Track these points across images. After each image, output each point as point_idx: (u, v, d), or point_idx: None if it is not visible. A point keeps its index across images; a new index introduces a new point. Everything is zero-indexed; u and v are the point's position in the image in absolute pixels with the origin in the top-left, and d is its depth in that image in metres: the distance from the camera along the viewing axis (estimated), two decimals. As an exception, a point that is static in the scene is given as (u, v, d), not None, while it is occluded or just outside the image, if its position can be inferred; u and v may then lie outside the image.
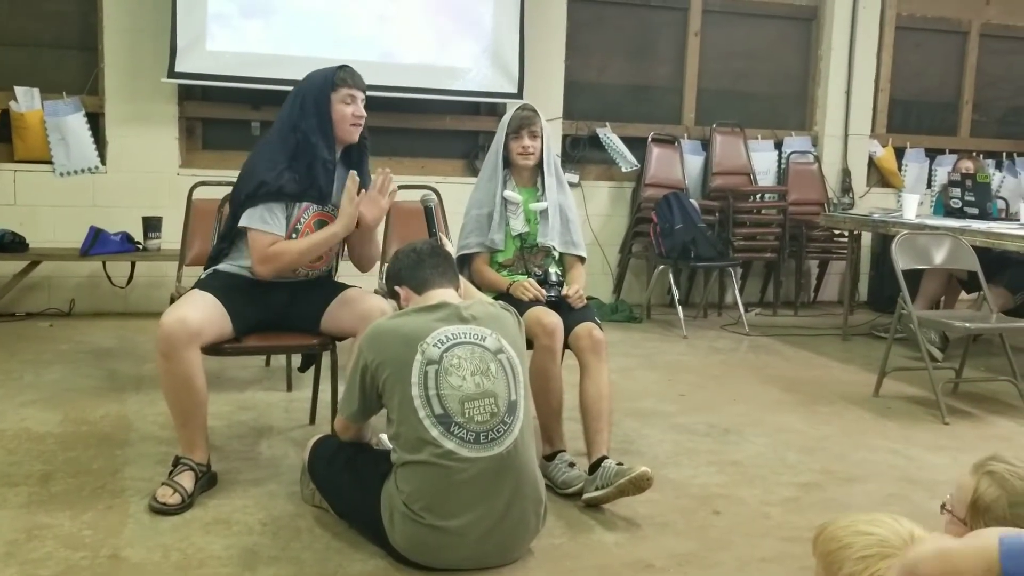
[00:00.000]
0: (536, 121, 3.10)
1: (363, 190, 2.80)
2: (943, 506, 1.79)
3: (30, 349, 4.39)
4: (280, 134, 2.78)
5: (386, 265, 3.29)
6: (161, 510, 2.51)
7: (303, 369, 3.32)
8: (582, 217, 5.94)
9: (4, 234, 4.87)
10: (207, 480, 2.69)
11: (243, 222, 2.74)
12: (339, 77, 2.78)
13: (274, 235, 2.73)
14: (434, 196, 3.10)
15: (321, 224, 2.81)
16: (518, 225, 3.11)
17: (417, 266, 2.45)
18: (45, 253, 4.98)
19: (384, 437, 2.52)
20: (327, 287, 2.92)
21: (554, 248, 3.13)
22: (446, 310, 2.33)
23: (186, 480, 2.60)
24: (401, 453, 2.24)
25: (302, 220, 2.79)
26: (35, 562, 2.21)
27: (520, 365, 2.35)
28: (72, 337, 4.68)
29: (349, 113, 2.78)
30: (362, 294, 2.89)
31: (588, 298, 3.18)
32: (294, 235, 2.78)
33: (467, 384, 2.23)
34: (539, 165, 3.14)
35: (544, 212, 3.11)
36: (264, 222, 2.72)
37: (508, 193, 3.12)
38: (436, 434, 2.19)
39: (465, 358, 2.26)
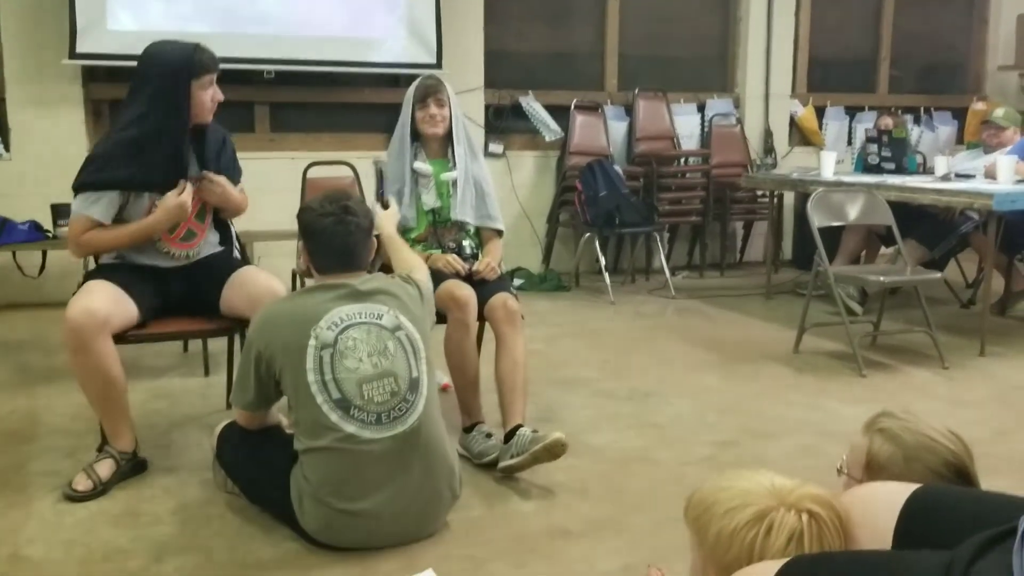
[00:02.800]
0: (441, 89, 3.05)
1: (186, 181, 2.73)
2: (839, 469, 1.80)
3: (-65, 346, 4.23)
4: (127, 120, 2.67)
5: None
6: (72, 497, 2.47)
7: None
8: (507, 187, 5.96)
9: (-97, 228, 4.67)
10: (132, 467, 2.64)
11: (73, 207, 2.68)
12: (199, 63, 2.67)
13: (93, 220, 2.65)
14: (384, 159, 3.04)
15: None
16: (430, 200, 3.07)
17: (324, 250, 2.34)
18: (-51, 245, 4.79)
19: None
20: (224, 267, 2.84)
21: (468, 223, 3.09)
22: (341, 290, 2.27)
23: (103, 468, 2.56)
24: (303, 439, 2.20)
25: (154, 209, 2.71)
26: (-71, 566, 2.13)
27: (421, 340, 2.31)
28: (-18, 331, 4.53)
29: (208, 99, 2.71)
30: (254, 274, 2.82)
31: (516, 268, 3.16)
32: None
33: (364, 366, 2.20)
34: (449, 136, 3.09)
35: (455, 183, 3.07)
36: (87, 206, 2.65)
37: (419, 165, 3.07)
38: (335, 419, 2.15)
39: (361, 339, 2.22)
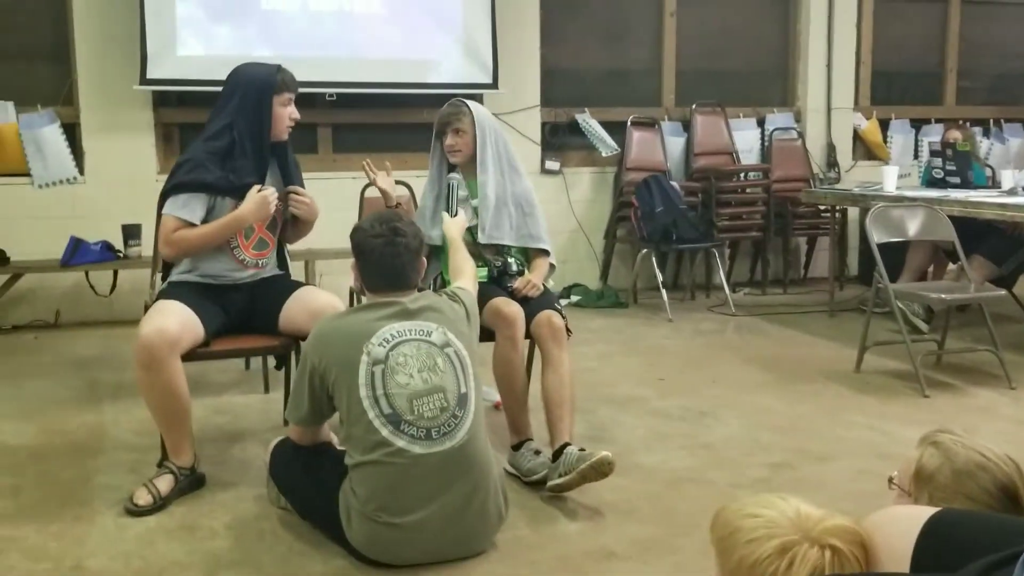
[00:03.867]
0: (457, 119, 3.08)
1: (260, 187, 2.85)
2: (891, 480, 1.77)
3: (12, 362, 4.40)
4: (214, 131, 2.84)
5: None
6: (132, 511, 2.56)
7: (278, 367, 3.34)
8: (564, 204, 5.97)
9: (-16, 248, 4.89)
10: (190, 483, 2.72)
11: (164, 209, 2.81)
12: (281, 81, 2.85)
13: (184, 221, 2.78)
14: (457, 176, 3.09)
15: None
16: (467, 219, 3.11)
17: (374, 270, 2.38)
18: (26, 265, 4.99)
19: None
20: (283, 286, 2.95)
21: (505, 244, 3.09)
22: (392, 307, 2.32)
23: (163, 483, 2.64)
24: (354, 454, 2.24)
25: None
26: (-3, 576, 2.22)
27: (469, 357, 2.34)
28: (56, 348, 4.70)
29: (287, 116, 2.87)
30: (314, 292, 2.93)
31: (573, 285, 3.18)
32: None
33: (414, 381, 2.23)
34: (474, 160, 3.10)
35: (479, 208, 3.08)
36: (178, 208, 2.78)
37: (462, 192, 3.07)
38: (386, 433, 2.19)
39: (411, 355, 2.25)
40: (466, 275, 2.69)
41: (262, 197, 2.79)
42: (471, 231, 3.07)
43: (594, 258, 6.13)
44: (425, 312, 2.36)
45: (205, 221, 2.82)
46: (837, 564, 1.28)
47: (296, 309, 2.84)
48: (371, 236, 2.38)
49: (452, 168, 3.14)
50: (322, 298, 2.85)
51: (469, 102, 3.17)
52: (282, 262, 3.08)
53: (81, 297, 5.27)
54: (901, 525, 1.32)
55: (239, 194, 2.81)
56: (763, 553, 1.26)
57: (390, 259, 2.36)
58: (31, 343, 4.86)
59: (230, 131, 2.82)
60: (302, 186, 3.03)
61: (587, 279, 6.00)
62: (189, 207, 2.78)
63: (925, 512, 1.32)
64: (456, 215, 2.96)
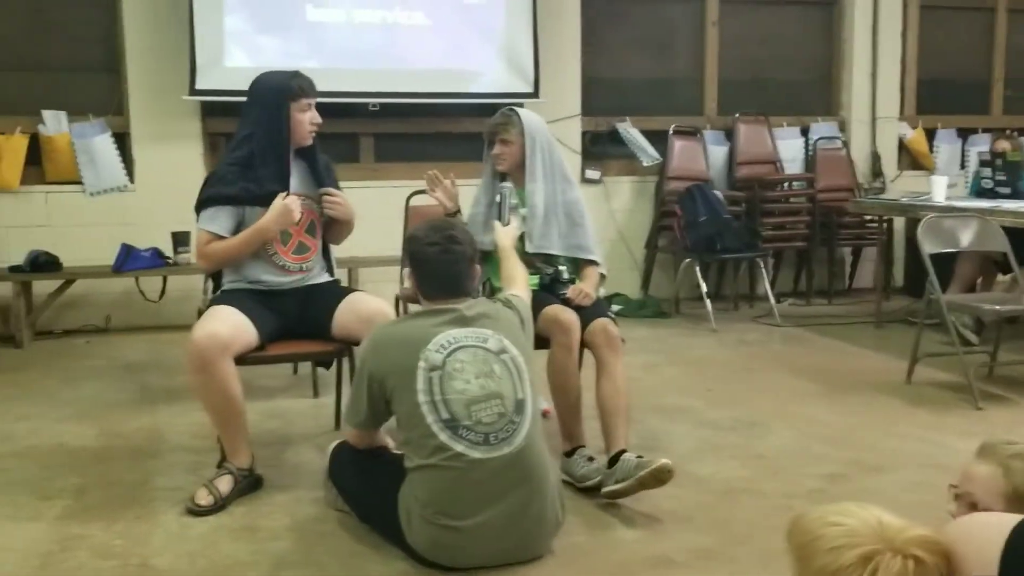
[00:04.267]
0: (504, 129, 3.11)
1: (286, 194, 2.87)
2: (956, 495, 1.75)
3: (66, 366, 4.49)
4: (236, 142, 2.92)
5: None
6: (194, 511, 2.60)
7: (327, 367, 3.37)
8: (604, 213, 5.97)
9: (38, 255, 4.99)
10: (249, 484, 2.77)
11: (198, 224, 2.88)
12: (297, 87, 2.87)
13: (213, 234, 2.84)
14: (509, 185, 3.11)
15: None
16: (517, 227, 3.12)
17: (430, 278, 2.41)
18: (79, 271, 5.09)
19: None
20: (333, 292, 2.99)
21: (553, 253, 3.11)
22: (448, 314, 2.34)
23: (223, 484, 2.68)
24: (413, 458, 2.26)
25: None
26: (67, 572, 2.27)
27: (525, 363, 2.36)
28: (107, 352, 4.79)
29: (307, 120, 2.88)
30: (366, 298, 2.96)
31: (614, 294, 3.19)
32: None
33: (472, 387, 2.25)
34: (522, 169, 3.12)
35: (526, 217, 3.10)
36: (207, 222, 2.84)
37: (513, 200, 3.08)
38: (445, 438, 2.21)
39: (468, 361, 2.27)
40: (519, 283, 2.70)
41: (284, 206, 2.80)
42: (521, 239, 3.09)
43: (635, 267, 6.12)
44: (481, 319, 2.38)
45: (239, 230, 2.86)
46: (920, 574, 1.28)
47: (347, 315, 2.87)
48: (427, 244, 2.40)
49: (504, 176, 3.17)
50: (372, 304, 2.88)
51: (521, 111, 3.19)
52: (329, 267, 3.10)
53: (131, 303, 5.36)
54: (985, 533, 1.31)
55: (264, 202, 2.84)
56: (845, 562, 1.26)
57: (446, 267, 2.39)
58: (83, 348, 4.95)
59: (249, 141, 2.86)
60: (336, 187, 3.05)
61: (628, 289, 5.99)
62: (217, 220, 2.84)
63: (1010, 520, 1.31)
64: (508, 223, 2.97)
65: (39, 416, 3.61)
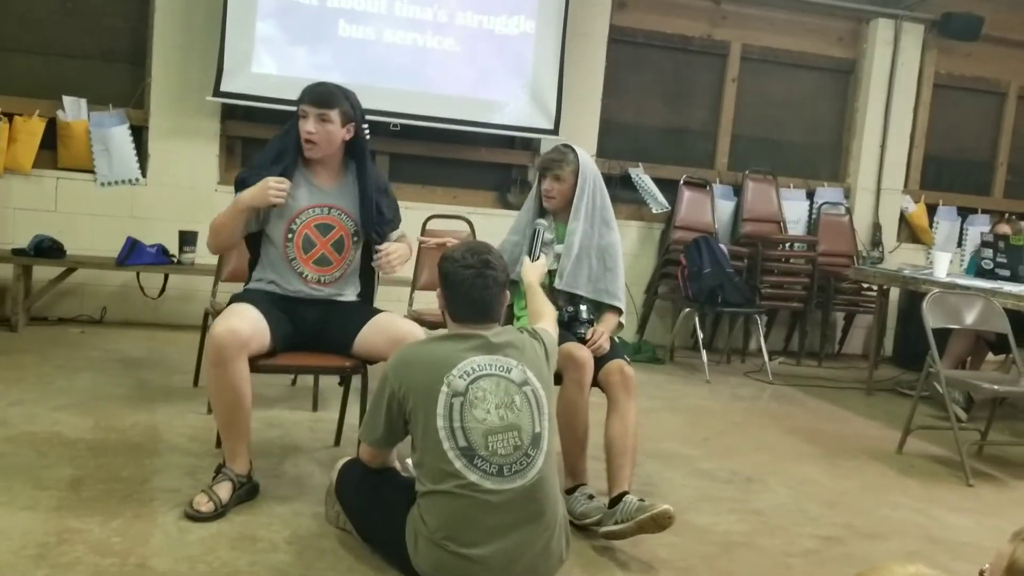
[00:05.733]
0: (559, 166, 3.12)
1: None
2: (981, 574, 1.77)
3: (62, 354, 4.45)
4: (272, 140, 2.98)
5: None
6: (194, 517, 2.57)
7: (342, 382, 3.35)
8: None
9: (43, 240, 4.96)
10: (247, 491, 2.74)
11: None
12: (302, 93, 2.88)
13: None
14: (544, 223, 3.12)
15: (321, 227, 2.92)
16: (549, 263, 3.14)
17: (462, 301, 2.40)
18: (81, 260, 5.06)
19: (409, 463, 2.54)
20: (362, 311, 2.97)
21: (579, 293, 3.13)
22: (475, 340, 2.34)
23: (223, 490, 2.65)
24: (425, 482, 2.25)
25: (297, 222, 2.89)
26: (65, 566, 2.24)
27: (545, 396, 2.36)
28: (103, 344, 4.75)
29: (303, 129, 2.86)
30: (396, 319, 2.93)
31: (616, 337, 3.21)
32: (290, 233, 2.88)
33: (491, 417, 2.25)
34: (568, 208, 3.15)
35: (561, 255, 3.13)
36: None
37: (547, 235, 3.12)
38: (459, 466, 2.21)
39: (490, 390, 2.27)
40: (547, 317, 2.71)
41: (264, 183, 2.77)
42: (549, 274, 3.11)
43: (633, 311, 6.15)
44: (506, 348, 2.37)
45: (262, 220, 2.89)
46: None
47: (375, 335, 2.85)
48: (462, 267, 2.39)
49: (544, 212, 3.18)
50: (403, 326, 2.86)
51: (577, 148, 3.20)
52: (366, 296, 3.07)
53: (128, 297, 5.33)
54: None
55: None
56: None
57: (480, 291, 2.38)
58: (77, 337, 4.91)
59: (280, 139, 2.92)
60: (397, 218, 3.03)
61: (625, 332, 5.99)
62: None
63: None
64: (536, 259, 2.99)
65: (34, 403, 3.57)
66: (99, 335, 4.97)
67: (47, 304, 5.20)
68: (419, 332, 2.83)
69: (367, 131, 3.01)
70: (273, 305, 2.85)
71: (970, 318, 4.16)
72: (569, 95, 5.79)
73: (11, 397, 3.62)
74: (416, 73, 5.55)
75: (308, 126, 2.83)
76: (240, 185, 2.86)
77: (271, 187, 2.76)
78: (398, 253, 2.92)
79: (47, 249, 4.96)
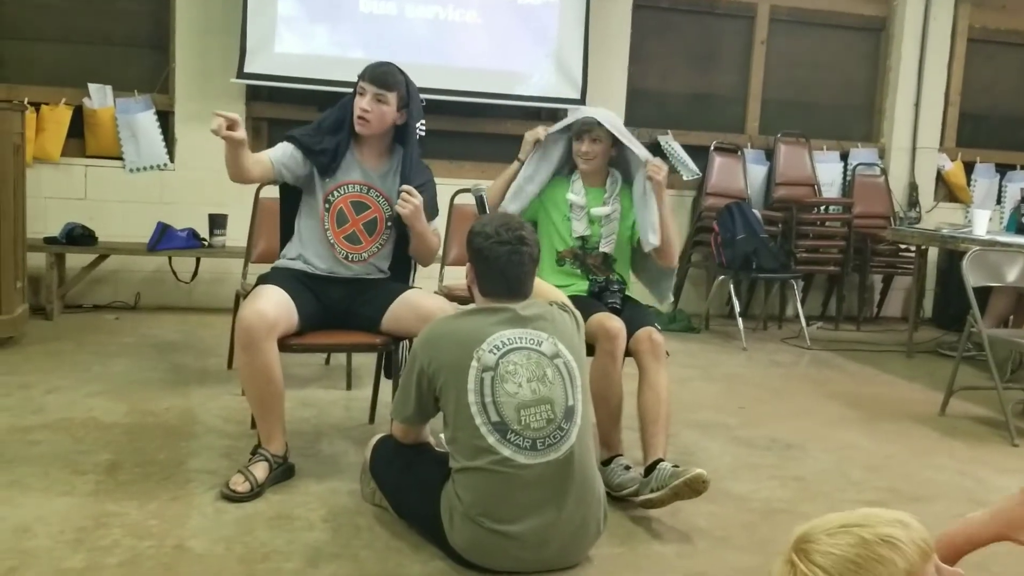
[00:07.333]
0: (591, 127, 3.10)
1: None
2: None
3: (97, 341, 4.49)
4: (331, 108, 3.00)
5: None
6: (230, 497, 2.58)
7: (388, 375, 3.22)
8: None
9: (74, 227, 5.00)
10: (282, 472, 2.74)
11: None
12: (362, 71, 2.90)
13: (263, 155, 2.90)
14: (484, 186, 3.10)
15: (356, 204, 2.92)
16: (580, 228, 3.12)
17: (495, 276, 2.36)
18: (113, 247, 5.09)
19: (443, 437, 2.52)
20: (390, 288, 2.95)
21: (611, 255, 3.12)
22: (504, 314, 2.31)
23: (259, 471, 2.66)
24: (459, 459, 2.24)
25: (335, 193, 2.91)
26: (103, 549, 2.25)
27: (578, 368, 2.32)
28: (137, 330, 4.78)
29: (357, 105, 2.88)
30: (424, 295, 2.92)
31: (647, 306, 3.18)
32: (327, 204, 2.90)
33: (523, 391, 2.22)
34: (605, 171, 3.14)
35: (607, 217, 3.11)
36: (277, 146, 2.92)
37: (572, 196, 3.13)
38: (492, 441, 2.18)
39: (521, 364, 2.24)
40: (561, 297, 2.65)
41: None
42: (584, 239, 3.08)
43: (666, 281, 6.07)
44: (536, 320, 2.34)
45: (304, 180, 2.91)
46: None
47: (404, 311, 2.84)
48: (497, 243, 2.35)
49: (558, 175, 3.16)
50: (431, 302, 2.84)
51: (598, 115, 3.18)
52: (398, 276, 3.04)
53: (162, 282, 5.36)
54: None
55: (313, 156, 2.88)
56: None
57: (515, 267, 2.35)
58: (112, 323, 4.95)
59: (339, 111, 2.94)
60: (434, 208, 3.00)
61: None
62: (277, 150, 2.91)
63: None
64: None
65: (70, 389, 3.60)
66: (133, 321, 5.01)
67: (81, 292, 5.25)
68: (448, 307, 2.81)
69: (422, 128, 3.02)
70: (300, 284, 2.85)
71: (1012, 275, 4.05)
72: (595, 64, 5.70)
73: (48, 384, 3.65)
74: (439, 47, 5.49)
75: (364, 103, 2.86)
76: (287, 138, 2.92)
77: (222, 114, 2.74)
78: (416, 203, 2.84)
79: (79, 237, 4.99)
